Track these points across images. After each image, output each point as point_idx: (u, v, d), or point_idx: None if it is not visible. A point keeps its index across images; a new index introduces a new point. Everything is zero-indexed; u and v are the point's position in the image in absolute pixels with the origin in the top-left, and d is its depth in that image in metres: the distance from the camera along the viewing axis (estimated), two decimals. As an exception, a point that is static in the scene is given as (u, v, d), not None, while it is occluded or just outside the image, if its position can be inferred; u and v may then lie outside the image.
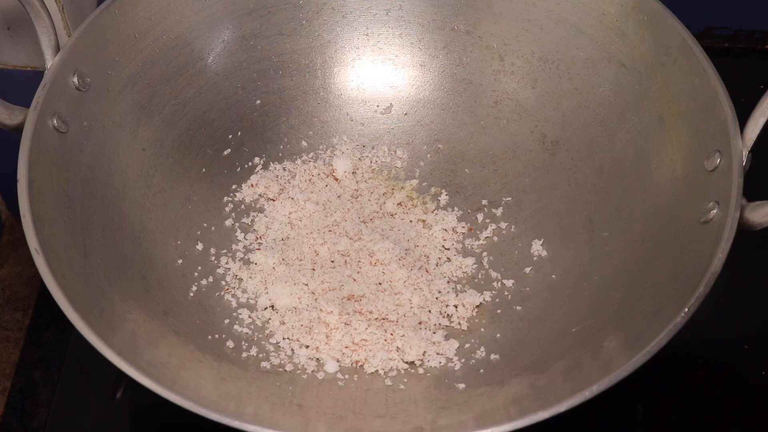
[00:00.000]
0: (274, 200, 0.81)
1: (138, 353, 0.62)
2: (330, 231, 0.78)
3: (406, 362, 0.70)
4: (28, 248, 0.62)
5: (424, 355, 0.70)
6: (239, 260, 0.77)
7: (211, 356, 0.68)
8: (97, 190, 0.72)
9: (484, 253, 0.78)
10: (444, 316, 0.74)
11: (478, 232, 0.79)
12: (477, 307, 0.74)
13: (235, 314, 0.73)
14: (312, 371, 0.69)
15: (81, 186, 0.70)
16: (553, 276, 0.75)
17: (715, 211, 0.64)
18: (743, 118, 0.66)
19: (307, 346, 0.70)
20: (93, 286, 0.65)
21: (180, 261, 0.75)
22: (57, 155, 0.69)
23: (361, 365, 0.70)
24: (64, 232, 0.66)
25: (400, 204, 0.81)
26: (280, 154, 0.84)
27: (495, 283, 0.76)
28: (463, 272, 0.77)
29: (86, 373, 0.77)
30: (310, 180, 0.82)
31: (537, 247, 0.77)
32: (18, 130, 0.67)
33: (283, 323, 0.72)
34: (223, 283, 0.75)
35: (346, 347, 0.70)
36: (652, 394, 0.73)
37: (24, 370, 0.78)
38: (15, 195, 0.64)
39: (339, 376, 0.69)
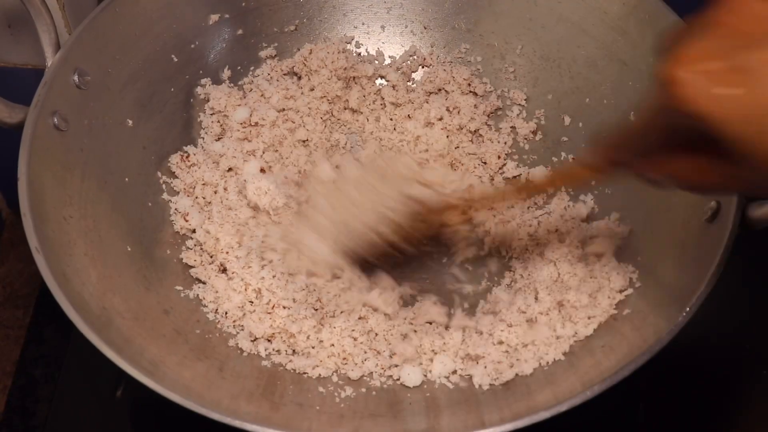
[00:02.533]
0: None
1: (138, 351, 0.62)
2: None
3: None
4: (28, 246, 0.62)
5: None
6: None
7: (212, 355, 0.68)
8: (98, 188, 0.72)
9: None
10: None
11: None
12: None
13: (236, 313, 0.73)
14: (313, 370, 0.69)
15: (81, 184, 0.70)
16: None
17: (716, 210, 0.64)
18: (745, 117, 0.66)
19: (313, 347, 0.70)
20: (93, 284, 0.65)
21: (181, 259, 0.75)
22: (57, 153, 0.69)
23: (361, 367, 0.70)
24: (64, 231, 0.66)
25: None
26: (281, 153, 0.84)
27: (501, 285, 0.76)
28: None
29: (86, 370, 0.77)
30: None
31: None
32: (19, 128, 0.67)
33: (285, 324, 0.71)
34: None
35: (347, 350, 0.70)
36: (653, 393, 0.73)
37: (24, 367, 0.78)
38: (16, 193, 0.64)
39: (339, 377, 0.69)
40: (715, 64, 0.44)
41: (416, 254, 0.75)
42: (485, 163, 0.82)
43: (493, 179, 0.81)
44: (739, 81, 0.43)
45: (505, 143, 0.83)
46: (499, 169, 0.81)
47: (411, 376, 0.68)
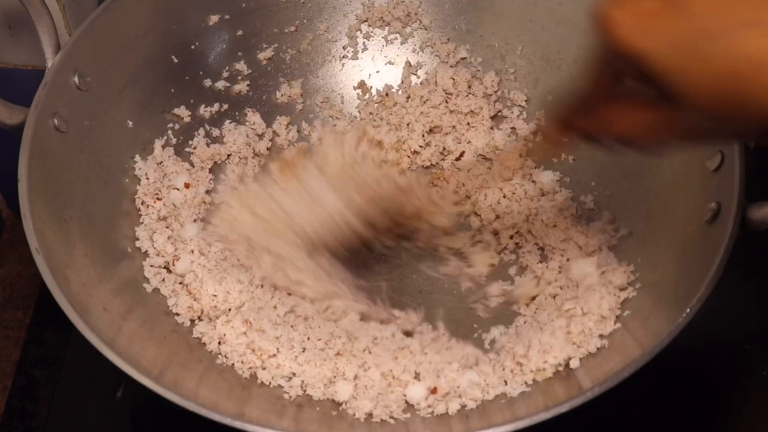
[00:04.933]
0: None
1: (138, 353, 0.62)
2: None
3: None
4: (29, 247, 0.62)
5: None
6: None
7: (212, 356, 0.68)
8: (98, 189, 0.72)
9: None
10: None
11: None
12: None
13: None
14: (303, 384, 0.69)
15: (81, 185, 0.70)
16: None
17: (716, 211, 0.64)
18: (745, 118, 0.66)
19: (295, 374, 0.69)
20: (94, 285, 0.65)
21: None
22: (58, 155, 0.69)
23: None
24: (64, 232, 0.66)
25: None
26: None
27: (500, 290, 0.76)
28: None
29: (86, 372, 0.77)
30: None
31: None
32: (19, 129, 0.67)
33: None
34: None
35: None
36: (653, 394, 0.73)
37: (24, 368, 0.78)
38: (16, 194, 0.64)
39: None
40: (649, 3, 0.44)
41: (391, 249, 0.76)
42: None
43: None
44: (669, 14, 0.44)
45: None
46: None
47: (414, 394, 0.66)
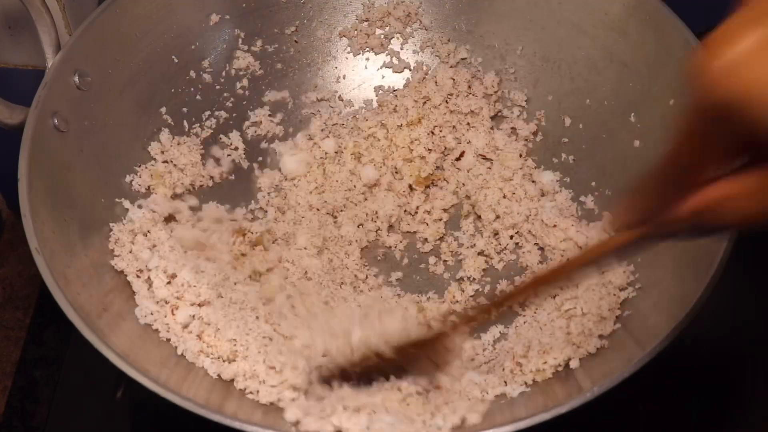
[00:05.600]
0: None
1: (138, 353, 0.62)
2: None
3: None
4: (29, 247, 0.62)
5: None
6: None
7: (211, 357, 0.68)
8: (98, 189, 0.72)
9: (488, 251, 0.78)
10: None
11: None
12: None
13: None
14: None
15: (81, 185, 0.70)
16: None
17: (716, 211, 0.64)
18: (745, 118, 0.66)
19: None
20: (94, 285, 0.65)
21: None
22: (58, 154, 0.69)
23: None
24: (64, 232, 0.66)
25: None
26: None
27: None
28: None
29: (86, 372, 0.77)
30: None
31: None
32: (19, 129, 0.67)
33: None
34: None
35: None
36: (653, 395, 0.73)
37: (24, 368, 0.78)
38: (16, 194, 0.64)
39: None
40: (747, 40, 0.38)
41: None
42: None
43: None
44: None
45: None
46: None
47: None
